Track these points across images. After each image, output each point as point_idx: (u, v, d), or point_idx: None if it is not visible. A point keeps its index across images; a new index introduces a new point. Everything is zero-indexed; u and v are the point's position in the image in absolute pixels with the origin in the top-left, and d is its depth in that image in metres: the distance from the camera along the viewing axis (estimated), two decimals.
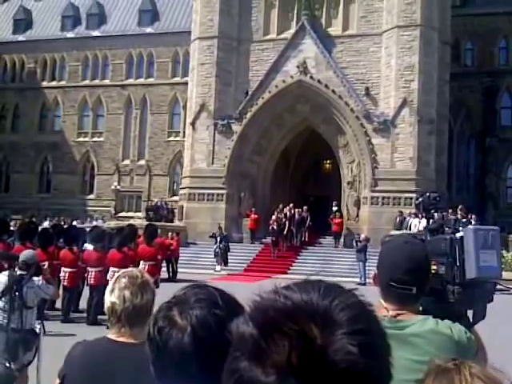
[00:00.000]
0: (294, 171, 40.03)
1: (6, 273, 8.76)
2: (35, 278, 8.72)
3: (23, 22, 57.89)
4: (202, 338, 1.63)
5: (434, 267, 3.21)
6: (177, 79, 50.23)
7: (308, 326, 1.01)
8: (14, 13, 58.45)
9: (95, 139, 52.66)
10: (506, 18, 43.62)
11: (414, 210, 32.13)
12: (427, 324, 2.83)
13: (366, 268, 27.82)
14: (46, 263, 14.33)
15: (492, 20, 43.67)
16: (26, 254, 9.22)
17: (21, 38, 56.72)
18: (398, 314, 2.87)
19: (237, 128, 38.32)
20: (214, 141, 38.89)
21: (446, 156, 37.77)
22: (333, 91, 36.40)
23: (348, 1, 38.11)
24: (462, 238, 3.32)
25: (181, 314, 1.68)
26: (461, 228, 3.51)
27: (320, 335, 1.01)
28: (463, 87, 42.11)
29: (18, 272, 8.57)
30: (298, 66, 37.43)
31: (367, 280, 27.20)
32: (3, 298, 8.34)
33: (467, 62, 45.24)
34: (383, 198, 35.01)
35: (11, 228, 20.18)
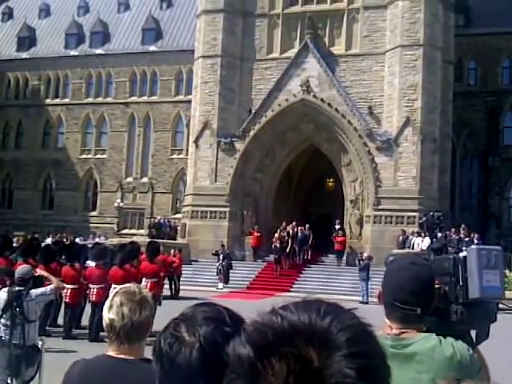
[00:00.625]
0: (296, 189, 40.10)
1: (5, 289, 8.81)
2: (32, 291, 8.70)
3: (27, 39, 58.13)
4: (209, 355, 1.62)
5: (437, 286, 3.20)
6: (180, 97, 50.41)
7: (305, 349, 1.00)
8: (18, 31, 58.67)
9: (98, 156, 52.74)
10: (509, 38, 43.80)
11: (416, 229, 32.27)
12: (430, 341, 2.83)
13: (369, 287, 27.82)
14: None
15: (495, 40, 43.94)
16: (21, 269, 9.25)
17: (24, 55, 56.98)
18: (402, 332, 2.88)
19: (240, 146, 38.42)
20: (216, 159, 38.99)
21: (449, 175, 37.84)
22: (336, 110, 36.54)
23: (351, 20, 38.32)
24: (465, 257, 3.34)
25: (188, 331, 1.68)
26: (464, 248, 3.55)
27: (317, 358, 0.99)
28: (466, 106, 42.23)
29: (16, 288, 8.58)
30: (301, 85, 37.56)
31: (369, 299, 27.22)
32: (4, 315, 8.37)
33: (470, 82, 45.43)
34: (386, 216, 35.03)
35: (14, 244, 20.16)
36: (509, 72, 45.07)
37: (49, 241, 34.11)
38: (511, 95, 43.95)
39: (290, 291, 31.02)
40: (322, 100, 36.94)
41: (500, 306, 3.62)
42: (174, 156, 50.04)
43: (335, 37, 38.77)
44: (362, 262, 29.50)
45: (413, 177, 34.95)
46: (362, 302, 27.97)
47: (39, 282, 9.47)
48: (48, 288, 9.02)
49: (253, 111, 38.74)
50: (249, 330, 1.06)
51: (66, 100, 54.75)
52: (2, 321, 8.38)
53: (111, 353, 3.00)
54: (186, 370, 1.64)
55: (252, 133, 38.22)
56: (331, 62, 37.88)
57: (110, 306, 3.00)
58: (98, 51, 54.28)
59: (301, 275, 33.92)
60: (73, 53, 55.30)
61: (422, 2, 36.03)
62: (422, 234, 30.60)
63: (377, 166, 35.57)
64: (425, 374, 2.70)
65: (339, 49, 38.35)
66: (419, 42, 35.81)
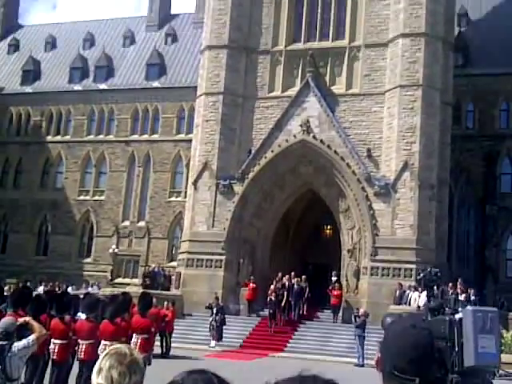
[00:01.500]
0: (294, 237, 39.86)
1: None
2: (15, 344, 8.41)
3: (32, 72, 59.11)
4: None
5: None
6: (181, 136, 50.77)
7: None
8: (24, 63, 59.63)
9: (96, 198, 52.97)
10: (507, 79, 43.56)
11: (413, 283, 31.86)
12: None
13: (365, 347, 27.44)
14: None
15: (493, 81, 43.84)
16: (4, 322, 9.00)
17: (28, 89, 57.86)
18: None
19: (238, 189, 38.43)
20: (215, 202, 39.00)
21: (447, 225, 37.37)
22: (335, 152, 36.51)
23: (352, 58, 38.51)
24: (460, 319, 3.41)
25: None
26: (460, 309, 3.75)
27: None
28: (464, 151, 41.98)
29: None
30: (301, 125, 37.66)
31: (365, 361, 26.83)
32: None
33: (468, 125, 45.13)
34: (383, 268, 34.63)
35: (5, 293, 19.92)
36: (506, 115, 44.75)
37: (41, 290, 34.27)
38: (508, 139, 43.59)
39: (284, 351, 30.83)
40: (321, 141, 36.96)
41: (500, 372, 3.70)
42: (173, 198, 50.22)
43: (336, 75, 38.93)
44: (358, 318, 29.08)
45: (410, 225, 34.63)
46: (357, 365, 27.64)
47: (23, 331, 9.19)
48: (30, 339, 8.62)
49: (253, 151, 38.72)
50: None
51: (67, 137, 55.33)
52: None
53: None
54: None
55: (251, 175, 38.26)
56: (331, 101, 37.98)
57: (99, 370, 2.93)
58: (102, 86, 55.02)
59: (295, 333, 33.58)
60: (76, 87, 56.04)
61: (422, 40, 36.21)
62: (419, 289, 30.18)
63: (374, 213, 35.32)
64: None
65: (340, 88, 38.45)
66: (418, 83, 35.84)
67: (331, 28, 39.61)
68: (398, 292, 31.92)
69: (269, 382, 0.99)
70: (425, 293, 29.08)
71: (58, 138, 55.69)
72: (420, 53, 35.87)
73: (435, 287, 28.23)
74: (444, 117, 37.25)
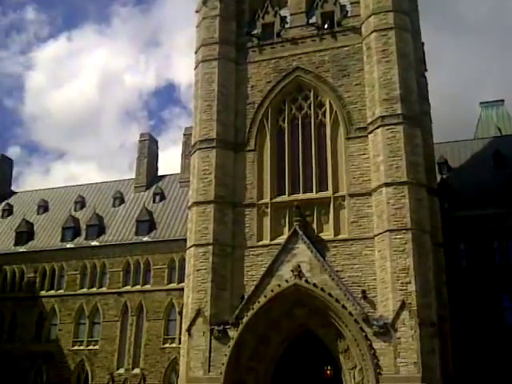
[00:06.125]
0: (294, 378, 36.53)
1: None
2: None
3: (25, 234, 57.47)
4: None
5: None
6: (173, 285, 48.30)
7: None
8: (17, 226, 58.14)
9: (90, 347, 49.41)
10: (495, 218, 42.75)
11: None
12: None
13: None
14: None
15: (482, 221, 42.82)
16: None
17: (22, 249, 56.15)
18: None
19: (233, 334, 35.50)
20: (210, 347, 35.87)
21: (451, 363, 34.37)
22: (329, 294, 34.05)
23: (338, 207, 36.97)
24: None
25: None
26: None
27: None
28: (461, 288, 40.22)
29: None
30: (292, 270, 35.48)
31: None
32: None
33: (463, 263, 43.27)
34: None
35: None
36: (499, 252, 43.18)
37: None
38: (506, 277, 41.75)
39: None
40: (314, 285, 34.58)
41: None
42: (167, 345, 46.93)
43: (323, 223, 37.20)
44: None
45: (414, 363, 31.44)
46: None
47: None
48: None
49: (245, 297, 36.19)
50: None
51: (61, 291, 52.51)
52: None
53: None
54: None
55: (245, 319, 35.47)
56: (321, 247, 35.99)
57: None
58: (94, 243, 53.18)
59: None
60: (69, 245, 54.27)
61: (405, 188, 34.72)
62: None
63: (375, 352, 32.26)
64: None
65: (328, 234, 36.62)
66: (407, 226, 33.93)
67: (314, 181, 38.26)
68: None
69: None
70: None
71: (52, 292, 52.80)
72: (405, 199, 34.30)
73: None
74: (437, 257, 35.47)
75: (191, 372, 35.77)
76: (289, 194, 38.62)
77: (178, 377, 39.07)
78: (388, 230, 34.08)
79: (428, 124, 39.90)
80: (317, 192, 38.02)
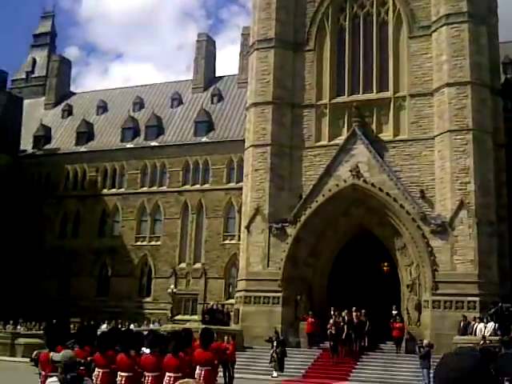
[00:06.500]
0: (350, 274, 38.06)
1: (54, 378, 7.95)
2: (86, 378, 8.20)
3: (85, 134, 58.95)
4: None
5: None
6: (231, 184, 49.74)
7: None
8: (77, 126, 59.57)
9: (153, 243, 51.95)
10: None
11: (478, 315, 29.91)
12: None
13: (431, 375, 25.41)
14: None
15: None
16: (64, 355, 8.31)
17: (83, 149, 57.66)
18: None
19: (291, 231, 36.93)
20: (268, 244, 37.49)
21: (508, 259, 35.26)
22: (387, 194, 34.93)
23: (398, 108, 37.28)
24: None
25: None
26: None
27: None
28: None
29: (68, 375, 7.60)
30: (350, 170, 36.24)
31: None
32: None
33: None
34: (445, 301, 32.57)
35: (71, 331, 19.17)
36: None
37: (104, 328, 33.13)
38: None
39: (348, 380, 28.83)
40: (372, 185, 35.44)
41: None
42: (227, 241, 49.01)
43: (382, 123, 37.64)
44: (422, 349, 27.10)
45: (471, 260, 32.64)
46: None
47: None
48: None
49: (303, 197, 37.37)
50: None
51: (122, 190, 54.53)
52: None
53: None
54: None
55: (303, 218, 36.77)
56: (380, 147, 36.60)
57: None
58: (153, 143, 54.43)
59: (358, 363, 31.49)
60: (129, 145, 55.52)
61: (468, 88, 34.71)
62: (484, 320, 28.24)
63: (432, 250, 33.43)
64: None
65: (387, 135, 37.12)
66: (468, 127, 34.23)
67: (374, 81, 38.48)
68: (462, 323, 29.92)
69: None
70: (491, 324, 27.20)
71: (113, 190, 54.93)
72: (467, 100, 34.40)
73: (510, 324, 26.22)
74: (498, 158, 35.65)
75: (250, 267, 37.62)
76: (348, 95, 38.95)
77: (237, 271, 41.10)
78: (449, 131, 34.44)
79: (494, 22, 39.21)
80: (377, 92, 38.27)
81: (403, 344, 32.63)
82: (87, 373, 9.53)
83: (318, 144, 38.65)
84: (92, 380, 13.53)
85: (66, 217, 56.06)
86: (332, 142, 38.12)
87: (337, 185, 36.53)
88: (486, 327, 27.32)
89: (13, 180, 58.15)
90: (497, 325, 26.74)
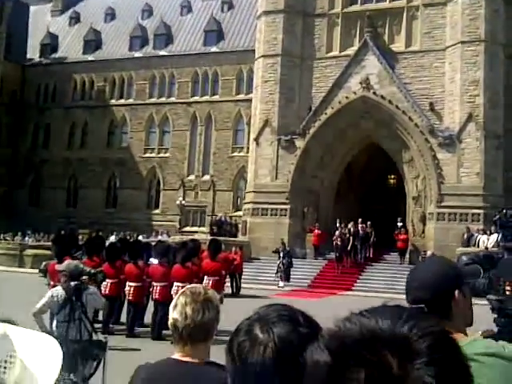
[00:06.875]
0: (357, 186, 38.87)
1: (57, 288, 8.58)
2: (91, 287, 8.71)
3: (93, 42, 58.64)
4: (284, 355, 1.52)
5: (508, 288, 3.22)
6: (241, 96, 49.84)
7: (385, 356, 0.95)
8: (85, 34, 59.21)
9: (161, 155, 52.59)
10: None
11: (481, 226, 30.78)
12: (477, 345, 2.39)
13: None
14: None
15: None
16: (69, 265, 8.87)
17: (90, 57, 57.48)
18: None
19: (300, 143, 37.52)
20: (277, 156, 38.16)
21: None
22: (396, 107, 35.29)
23: (411, 17, 37.08)
24: None
25: (263, 330, 1.57)
26: None
27: (397, 365, 0.94)
28: None
29: (72, 283, 8.30)
30: (360, 82, 36.49)
31: None
32: (62, 311, 8.13)
33: None
34: (450, 213, 33.56)
35: (79, 242, 20.03)
36: None
37: (112, 239, 33.99)
38: None
39: (352, 290, 30.02)
40: (382, 97, 35.75)
41: None
42: (235, 154, 49.57)
43: (395, 34, 37.58)
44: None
45: (476, 173, 33.38)
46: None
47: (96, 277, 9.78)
48: (103, 299, 9.46)
49: (313, 109, 37.74)
50: (327, 337, 1.02)
51: (130, 100, 54.78)
52: (59, 318, 8.13)
53: (176, 355, 2.93)
54: (260, 370, 1.52)
55: (312, 130, 37.29)
56: (391, 59, 36.68)
57: (175, 306, 2.94)
58: (162, 53, 54.25)
59: (363, 273, 32.80)
60: (137, 54, 55.35)
61: None
62: (488, 232, 29.12)
63: (439, 163, 34.11)
64: (477, 379, 2.06)
65: (399, 46, 37.13)
66: (480, 38, 34.26)
67: None
68: (465, 235, 30.91)
69: (353, 312, 1.00)
70: (494, 235, 28.05)
71: (122, 101, 55.14)
72: (481, 9, 34.24)
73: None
74: (508, 70, 35.55)
75: (259, 179, 38.45)
76: (361, 4, 38.74)
77: (246, 183, 41.93)
78: (461, 42, 34.48)
79: None
80: (390, 1, 38.00)
81: (407, 255, 33.83)
82: (94, 283, 10.20)
83: (329, 55, 38.72)
84: (100, 289, 14.38)
85: (73, 127, 56.58)
86: (343, 53, 38.18)
87: (346, 97, 36.84)
88: (488, 239, 28.22)
89: (20, 89, 58.52)
90: (500, 236, 27.54)
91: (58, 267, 10.00)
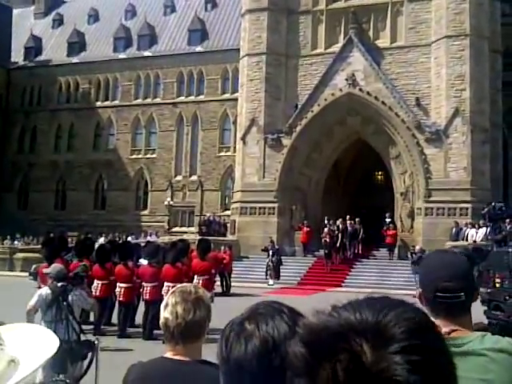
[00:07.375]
0: (345, 183, 39.09)
1: (45, 288, 8.70)
2: (78, 289, 8.85)
3: (77, 44, 58.47)
4: (268, 346, 1.54)
5: (498, 280, 2.78)
6: (226, 95, 49.89)
7: (357, 343, 0.94)
8: (68, 36, 59.07)
9: (148, 156, 52.58)
10: None
11: (470, 220, 31.01)
12: (486, 341, 2.45)
13: None
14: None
15: None
16: (55, 268, 8.99)
17: (75, 59, 57.36)
18: (453, 331, 2.53)
19: (287, 142, 37.66)
20: (264, 155, 38.27)
21: (501, 165, 36.26)
22: (383, 102, 35.46)
23: (395, 13, 37.26)
24: None
25: (250, 322, 1.60)
26: None
27: (370, 352, 0.93)
28: None
29: (59, 283, 8.42)
30: (346, 79, 36.64)
31: None
32: (49, 311, 8.20)
33: None
34: (438, 208, 33.78)
35: (69, 245, 20.10)
36: None
37: (102, 240, 34.00)
38: None
39: (341, 286, 30.18)
40: (368, 93, 35.92)
41: None
42: (222, 153, 49.61)
43: (380, 30, 37.75)
44: (414, 255, 28.35)
45: (464, 167, 33.60)
46: (415, 296, 26.99)
47: (77, 280, 9.69)
48: (91, 299, 9.49)
49: (299, 106, 37.88)
50: (302, 328, 1.02)
51: (116, 102, 54.72)
52: (46, 318, 8.19)
53: (168, 354, 2.95)
54: (244, 359, 1.54)
55: (299, 128, 37.43)
56: (376, 55, 36.86)
57: (166, 305, 2.95)
58: (146, 53, 54.30)
59: (352, 270, 33.00)
60: (121, 56, 55.32)
61: None
62: (476, 226, 29.38)
63: (426, 158, 34.32)
64: (484, 375, 2.37)
65: (384, 42, 37.31)
66: (465, 32, 34.47)
67: None
68: (454, 229, 31.08)
69: (333, 304, 1.02)
70: (483, 229, 28.33)
71: (107, 103, 55.06)
72: (465, 4, 34.44)
73: (502, 223, 27.26)
74: (494, 64, 35.97)
75: (246, 178, 38.56)
76: (345, 0, 38.78)
77: (233, 183, 42.02)
78: (446, 36, 34.70)
79: None
80: None
81: (396, 251, 34.06)
82: (81, 284, 10.28)
83: (314, 52, 38.85)
84: (91, 291, 14.47)
85: (60, 130, 56.49)
86: (328, 50, 38.32)
87: (332, 94, 36.97)
88: (477, 233, 28.45)
89: (5, 93, 58.34)
90: (488, 229, 27.84)
91: (45, 270, 10.16)
